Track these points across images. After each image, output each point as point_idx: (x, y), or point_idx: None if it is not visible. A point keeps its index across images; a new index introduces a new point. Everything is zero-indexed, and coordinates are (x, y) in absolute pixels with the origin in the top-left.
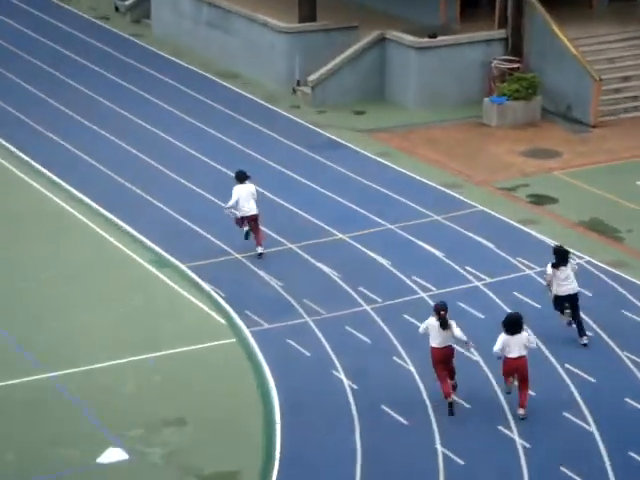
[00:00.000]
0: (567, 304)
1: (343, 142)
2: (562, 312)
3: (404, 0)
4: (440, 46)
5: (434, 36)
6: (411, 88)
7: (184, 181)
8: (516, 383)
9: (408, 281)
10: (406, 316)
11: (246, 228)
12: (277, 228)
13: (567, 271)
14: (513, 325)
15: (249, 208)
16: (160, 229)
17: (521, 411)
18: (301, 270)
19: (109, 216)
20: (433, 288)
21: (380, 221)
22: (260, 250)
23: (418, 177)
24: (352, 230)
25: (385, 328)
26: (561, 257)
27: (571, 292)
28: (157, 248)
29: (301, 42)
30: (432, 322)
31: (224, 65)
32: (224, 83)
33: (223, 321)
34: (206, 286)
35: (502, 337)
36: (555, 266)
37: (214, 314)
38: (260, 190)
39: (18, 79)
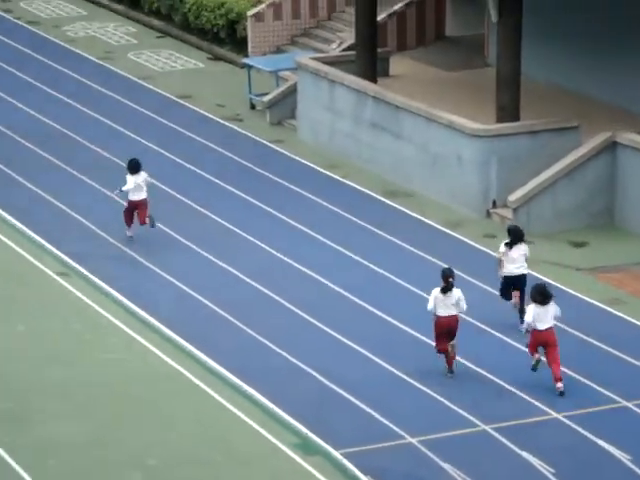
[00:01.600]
0: (514, 286)
1: (557, 284)
2: (507, 296)
3: None
4: None
5: None
6: None
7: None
8: (543, 358)
9: None
10: None
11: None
12: None
13: (520, 251)
14: (543, 294)
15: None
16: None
17: (559, 384)
18: (495, 458)
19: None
20: None
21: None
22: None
23: None
24: (571, 406)
25: None
26: (516, 236)
27: (520, 273)
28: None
29: (499, 149)
30: (436, 293)
31: (393, 180)
32: (393, 204)
33: None
34: None
35: (532, 308)
36: (509, 245)
37: None
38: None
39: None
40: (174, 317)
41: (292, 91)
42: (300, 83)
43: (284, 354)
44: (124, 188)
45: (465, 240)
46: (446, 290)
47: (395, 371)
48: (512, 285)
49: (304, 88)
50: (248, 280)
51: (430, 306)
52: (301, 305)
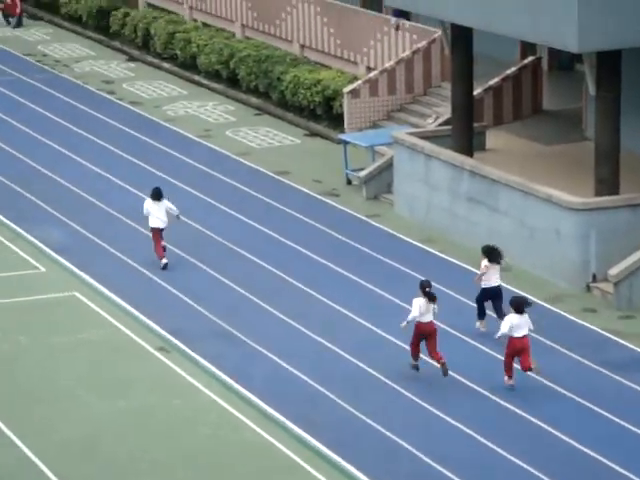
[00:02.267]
0: (491, 299)
1: None
2: (482, 307)
3: None
4: None
5: None
6: None
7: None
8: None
9: None
10: None
11: None
12: None
13: (498, 267)
14: (521, 305)
15: None
16: None
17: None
18: None
19: None
20: None
21: None
22: None
23: None
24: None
25: None
26: (495, 255)
27: (495, 285)
28: None
29: (598, 222)
30: (419, 301)
31: None
32: None
33: None
34: None
35: (511, 317)
36: (491, 261)
37: None
38: None
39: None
40: (271, 391)
41: (388, 166)
42: (396, 158)
43: (382, 430)
44: (145, 213)
45: (565, 315)
46: (431, 299)
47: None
48: (489, 295)
49: (400, 163)
50: (347, 356)
51: (417, 314)
52: (405, 382)
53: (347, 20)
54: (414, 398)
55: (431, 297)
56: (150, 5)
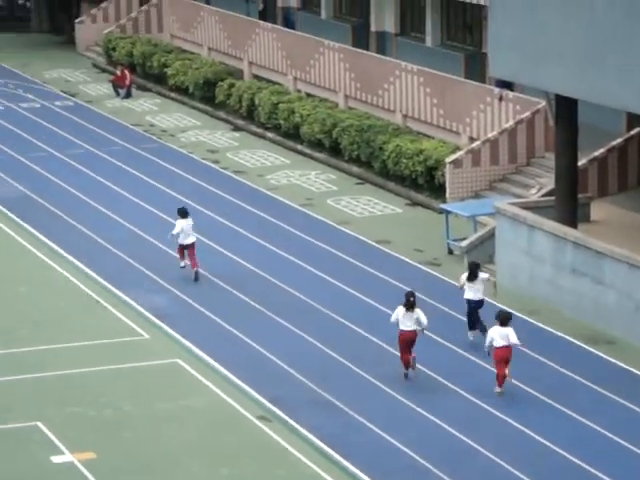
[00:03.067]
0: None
1: None
2: (472, 319)
3: None
4: None
5: None
6: None
7: None
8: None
9: None
10: None
11: None
12: None
13: (478, 282)
14: (505, 319)
15: None
16: None
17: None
18: None
19: None
20: None
21: None
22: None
23: None
24: None
25: None
26: (473, 271)
27: (478, 298)
28: None
29: None
30: (400, 309)
31: (593, 326)
32: (594, 350)
33: None
34: None
35: (494, 329)
36: (469, 279)
37: None
38: None
39: (332, 351)
40: (374, 465)
41: (490, 236)
42: (498, 228)
43: None
44: (173, 232)
45: None
46: (408, 308)
47: None
48: (475, 308)
49: (502, 233)
50: (453, 431)
51: (392, 319)
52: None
53: (450, 90)
54: None
55: (410, 306)
56: (255, 76)
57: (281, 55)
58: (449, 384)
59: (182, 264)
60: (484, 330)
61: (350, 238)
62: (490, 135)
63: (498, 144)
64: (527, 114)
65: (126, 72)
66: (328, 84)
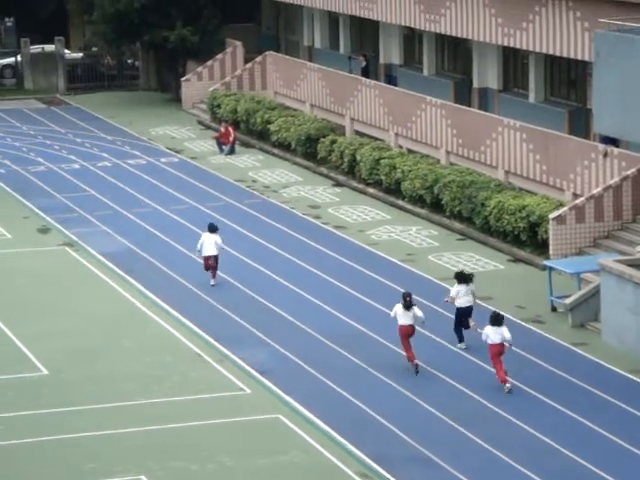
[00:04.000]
0: (464, 317)
1: None
2: (460, 325)
3: None
4: None
5: None
6: None
7: None
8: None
9: None
10: None
11: None
12: None
13: (469, 290)
14: (497, 319)
15: None
16: None
17: (507, 385)
18: None
19: None
20: None
21: None
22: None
23: None
24: None
25: None
26: (464, 279)
27: (467, 305)
28: None
29: None
30: (398, 307)
31: None
32: None
33: None
34: None
35: (488, 328)
36: (460, 284)
37: None
38: None
39: (432, 407)
40: None
41: (595, 293)
42: (603, 286)
43: None
44: (198, 246)
45: None
46: (407, 307)
47: None
48: (463, 314)
49: (608, 291)
50: None
51: (392, 315)
52: None
53: (554, 146)
54: None
55: (407, 305)
56: (357, 132)
57: (383, 111)
58: (548, 440)
59: (212, 282)
60: (462, 340)
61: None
62: (595, 191)
63: (603, 200)
64: (633, 170)
65: (230, 129)
66: (430, 140)
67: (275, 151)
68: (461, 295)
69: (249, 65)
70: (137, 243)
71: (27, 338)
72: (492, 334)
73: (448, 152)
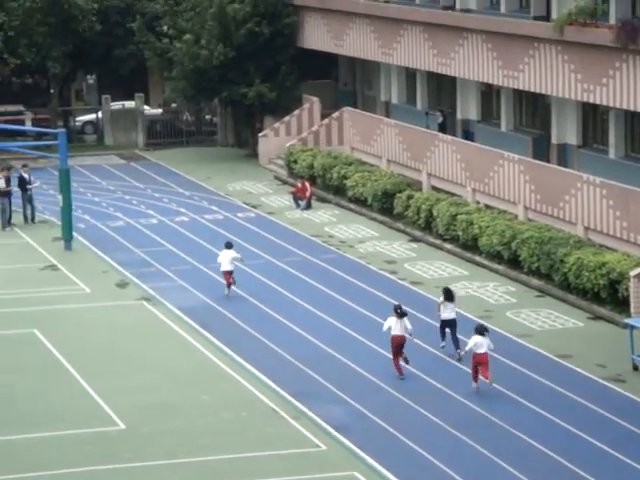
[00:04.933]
0: (448, 328)
1: None
2: (443, 335)
3: None
4: None
5: None
6: None
7: None
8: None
9: None
10: None
11: None
12: None
13: (451, 305)
14: (482, 330)
15: None
16: None
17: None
18: None
19: None
20: None
21: None
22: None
23: None
24: None
25: None
26: (449, 295)
27: (451, 317)
28: None
29: None
30: (391, 319)
31: None
32: None
33: None
34: None
35: (474, 338)
36: (446, 300)
37: None
38: None
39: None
40: None
41: None
42: None
43: None
44: (218, 260)
45: None
46: (398, 316)
47: None
48: (446, 326)
49: None
50: None
51: (385, 328)
52: None
53: (634, 203)
54: None
55: (400, 315)
56: (433, 188)
57: (460, 167)
58: None
59: (226, 292)
60: (443, 339)
61: (530, 352)
62: None
63: None
64: None
65: (306, 184)
66: (507, 196)
67: (351, 206)
68: (448, 310)
69: (326, 121)
70: (213, 298)
71: (105, 392)
72: (479, 344)
73: (526, 208)
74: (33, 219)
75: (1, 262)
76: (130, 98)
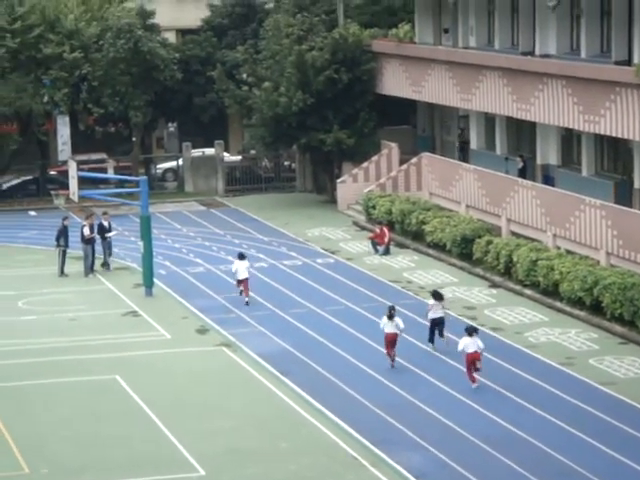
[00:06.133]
0: (437, 326)
1: None
2: (432, 334)
3: None
4: None
5: None
6: None
7: None
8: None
9: None
10: None
11: None
12: None
13: (440, 305)
14: (471, 331)
15: None
16: None
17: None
18: None
19: None
20: None
21: None
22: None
23: None
24: None
25: None
26: (437, 296)
27: (438, 316)
28: None
29: None
30: (384, 319)
31: None
32: None
33: None
34: None
35: (464, 339)
36: (435, 299)
37: None
38: None
39: None
40: None
41: None
42: None
43: None
44: (233, 269)
45: None
46: (389, 317)
47: None
48: (435, 324)
49: None
50: None
51: (381, 326)
52: None
53: None
54: None
55: (390, 316)
56: (513, 233)
57: (540, 212)
58: None
59: (243, 296)
60: (432, 342)
61: (614, 400)
62: None
63: None
64: None
65: (385, 229)
66: (589, 241)
67: (430, 252)
68: (436, 309)
69: (404, 166)
70: (292, 344)
71: (185, 438)
72: (469, 344)
73: (608, 253)
74: (108, 266)
75: (84, 309)
76: (210, 145)
